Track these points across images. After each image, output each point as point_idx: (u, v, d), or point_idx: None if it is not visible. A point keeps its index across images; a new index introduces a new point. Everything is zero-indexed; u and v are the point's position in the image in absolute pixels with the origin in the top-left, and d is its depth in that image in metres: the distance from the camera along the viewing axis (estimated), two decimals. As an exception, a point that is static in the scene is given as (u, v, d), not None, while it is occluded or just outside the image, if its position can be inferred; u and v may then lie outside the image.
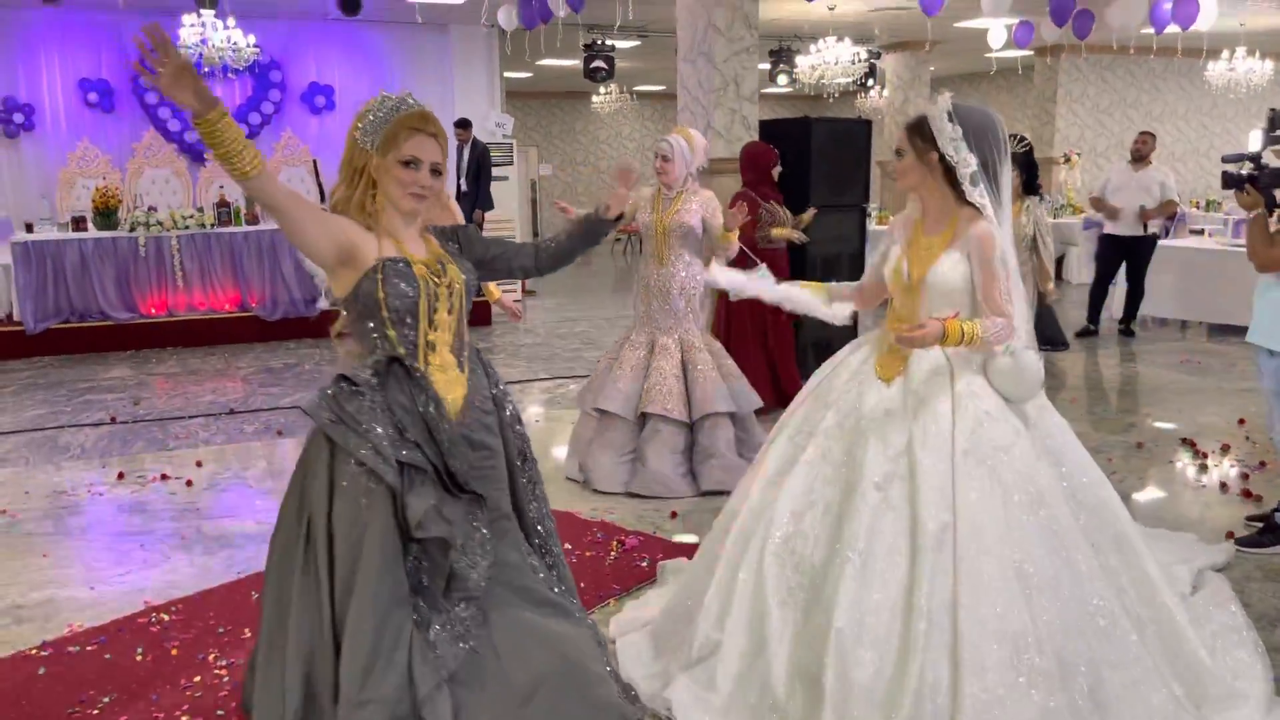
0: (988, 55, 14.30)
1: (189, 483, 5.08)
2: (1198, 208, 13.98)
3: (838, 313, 3.19)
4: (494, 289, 4.46)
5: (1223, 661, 2.93)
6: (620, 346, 4.96)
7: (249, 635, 3.38)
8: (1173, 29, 9.88)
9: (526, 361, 8.17)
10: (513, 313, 4.43)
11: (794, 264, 7.00)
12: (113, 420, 6.39)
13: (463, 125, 10.64)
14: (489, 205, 10.97)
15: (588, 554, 4.02)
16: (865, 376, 2.91)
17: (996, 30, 11.53)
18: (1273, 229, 3.90)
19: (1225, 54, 12.88)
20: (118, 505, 4.81)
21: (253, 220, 9.64)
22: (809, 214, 6.30)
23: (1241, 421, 5.87)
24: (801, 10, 11.13)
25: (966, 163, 2.77)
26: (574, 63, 14.85)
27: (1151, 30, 10.34)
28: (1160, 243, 8.94)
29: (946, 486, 2.62)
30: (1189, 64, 15.15)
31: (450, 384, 2.36)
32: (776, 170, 6.02)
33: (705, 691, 2.73)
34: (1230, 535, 4.10)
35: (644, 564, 3.90)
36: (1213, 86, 13.48)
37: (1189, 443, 5.48)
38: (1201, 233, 13.20)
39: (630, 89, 18.77)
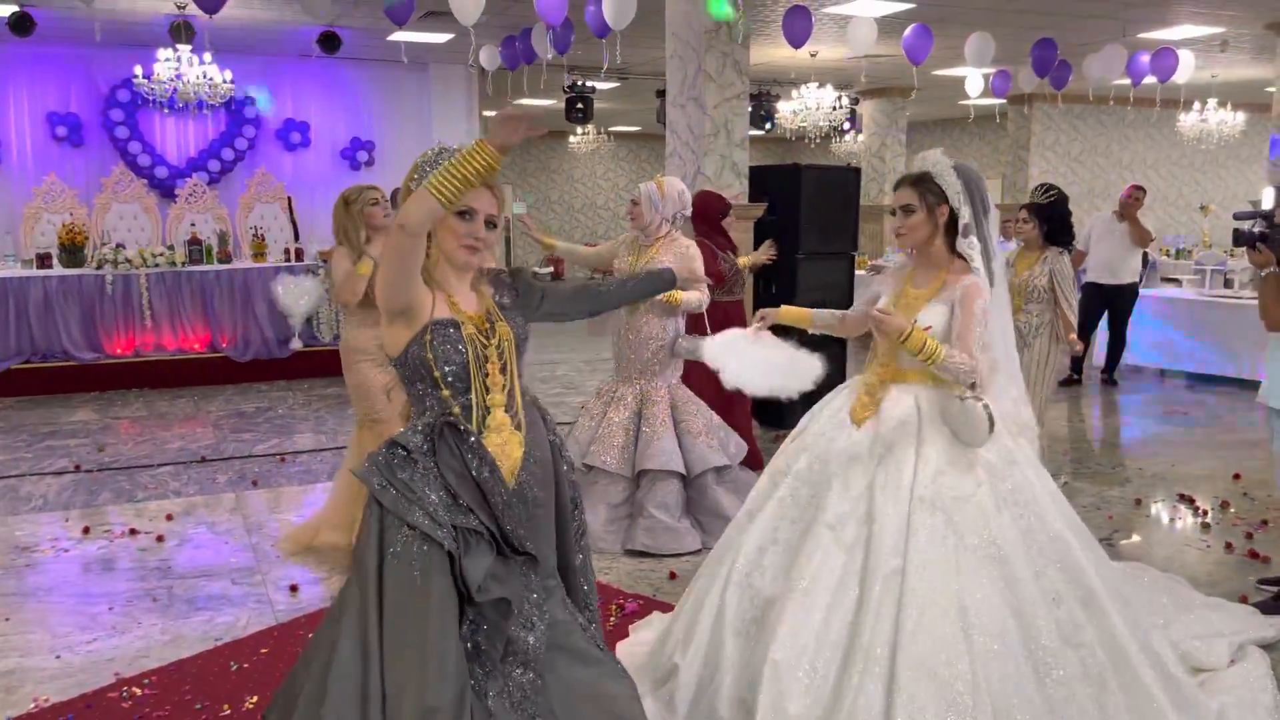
0: (962, 103, 14.47)
1: (159, 538, 4.84)
2: (1168, 256, 14.14)
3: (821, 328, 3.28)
4: None
5: None
6: (608, 404, 4.80)
7: (229, 712, 3.17)
8: (1148, 80, 10.02)
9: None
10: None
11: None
12: (77, 469, 6.13)
13: None
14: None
15: (585, 620, 3.84)
16: (840, 420, 2.98)
17: (974, 79, 11.65)
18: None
19: (1197, 105, 13.09)
20: (83, 562, 4.56)
21: (225, 259, 9.43)
22: (765, 247, 6.17)
23: (1237, 477, 5.82)
24: (783, 56, 11.17)
25: (964, 216, 2.88)
26: (552, 102, 14.83)
27: (1124, 81, 10.49)
28: (1141, 292, 8.96)
29: (901, 532, 2.68)
30: (1159, 114, 15.39)
31: (506, 445, 2.26)
32: (729, 221, 5.90)
33: (667, 712, 2.86)
34: (1244, 599, 4.01)
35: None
36: (1184, 137, 13.68)
37: (1187, 499, 5.41)
38: (1175, 281, 13.37)
39: (606, 130, 18.77)
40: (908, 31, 8.20)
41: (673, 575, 4.31)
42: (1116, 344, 8.78)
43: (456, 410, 2.21)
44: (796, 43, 7.53)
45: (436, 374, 2.20)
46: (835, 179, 7.01)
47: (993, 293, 2.92)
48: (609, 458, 4.62)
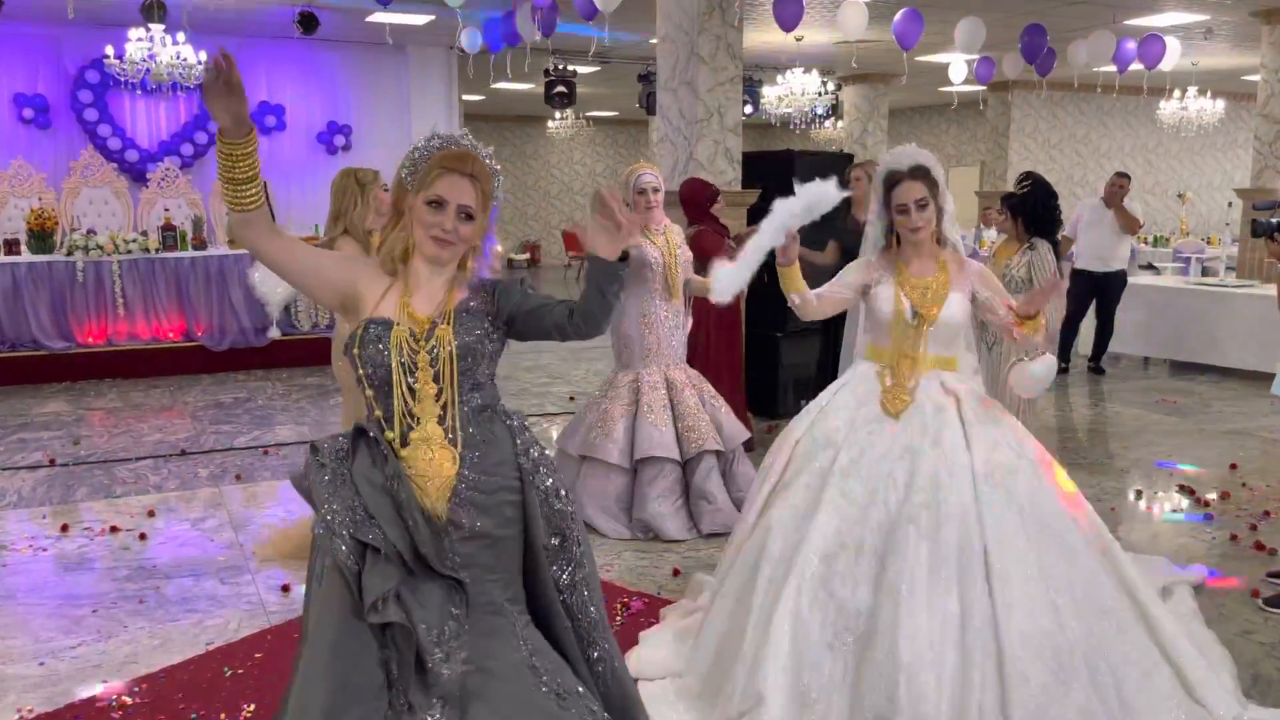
0: (943, 89, 14.42)
1: (141, 535, 4.67)
2: (1146, 244, 14.20)
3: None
4: None
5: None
6: (636, 391, 4.66)
7: (225, 722, 3.03)
8: (1132, 67, 10.00)
9: (493, 397, 7.84)
10: None
11: (777, 304, 6.80)
12: (51, 463, 5.93)
13: None
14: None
15: (591, 620, 3.72)
16: (871, 416, 2.98)
17: (958, 65, 11.59)
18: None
19: (1177, 93, 13.12)
20: (64, 563, 4.38)
21: (200, 245, 9.20)
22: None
23: (1234, 466, 5.79)
24: (765, 41, 11.04)
25: (950, 205, 3.04)
26: (530, 87, 14.62)
27: (1105, 68, 10.47)
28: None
29: (972, 513, 2.75)
30: (1137, 102, 15.44)
31: (435, 460, 2.08)
32: (718, 207, 5.80)
33: None
34: (1255, 593, 3.97)
35: (661, 620, 3.62)
36: (1163, 125, 13.72)
37: (1187, 490, 5.37)
38: (1150, 267, 13.43)
39: (584, 115, 18.57)
40: (898, 16, 8.10)
41: (676, 572, 4.21)
42: (1104, 332, 8.76)
43: (379, 413, 2.10)
44: (788, 26, 7.41)
45: (361, 374, 2.10)
46: (828, 165, 6.88)
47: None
48: (709, 438, 4.61)
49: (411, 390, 2.08)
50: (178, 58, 8.98)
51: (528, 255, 20.51)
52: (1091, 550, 2.84)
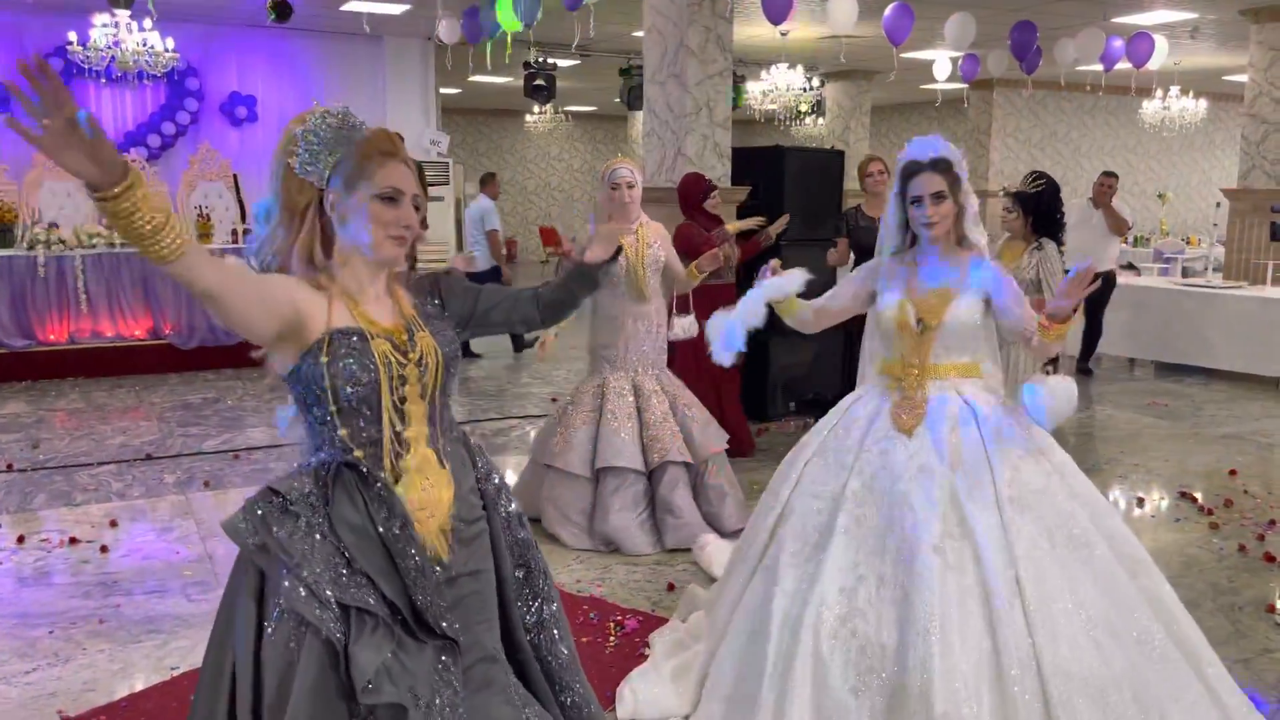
0: (924, 86, 14.31)
1: (103, 549, 4.41)
2: (1127, 244, 14.16)
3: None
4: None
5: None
6: (599, 397, 4.49)
7: (192, 758, 2.80)
8: (1118, 66, 9.91)
9: (471, 399, 7.62)
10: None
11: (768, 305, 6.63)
12: (9, 467, 5.64)
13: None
14: (423, 227, 10.38)
15: (583, 639, 3.51)
16: (882, 433, 2.77)
17: (942, 62, 11.47)
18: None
19: (1159, 93, 13.07)
20: (19, 577, 4.12)
21: (167, 239, 8.89)
22: (781, 220, 5.95)
23: (1233, 473, 5.67)
24: (751, 35, 10.86)
25: (973, 203, 2.81)
26: (508, 80, 14.37)
27: (1090, 67, 10.37)
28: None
29: (1002, 539, 2.55)
30: (1118, 101, 15.41)
31: (433, 488, 1.83)
32: (712, 202, 5.63)
33: None
34: (1272, 608, 3.83)
35: (649, 650, 3.42)
36: (1145, 124, 13.67)
37: (1189, 497, 5.24)
38: (1130, 267, 13.39)
39: (562, 110, 18.32)
40: (888, 11, 7.93)
41: (670, 587, 4.01)
42: (1093, 333, 8.66)
43: (358, 451, 1.77)
44: (777, 19, 7.22)
45: (334, 404, 1.75)
46: (819, 162, 6.75)
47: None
48: (674, 449, 4.41)
49: (400, 410, 1.81)
50: (144, 45, 8.66)
51: (504, 251, 20.20)
52: (1124, 571, 2.63)
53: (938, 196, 2.71)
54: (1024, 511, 2.58)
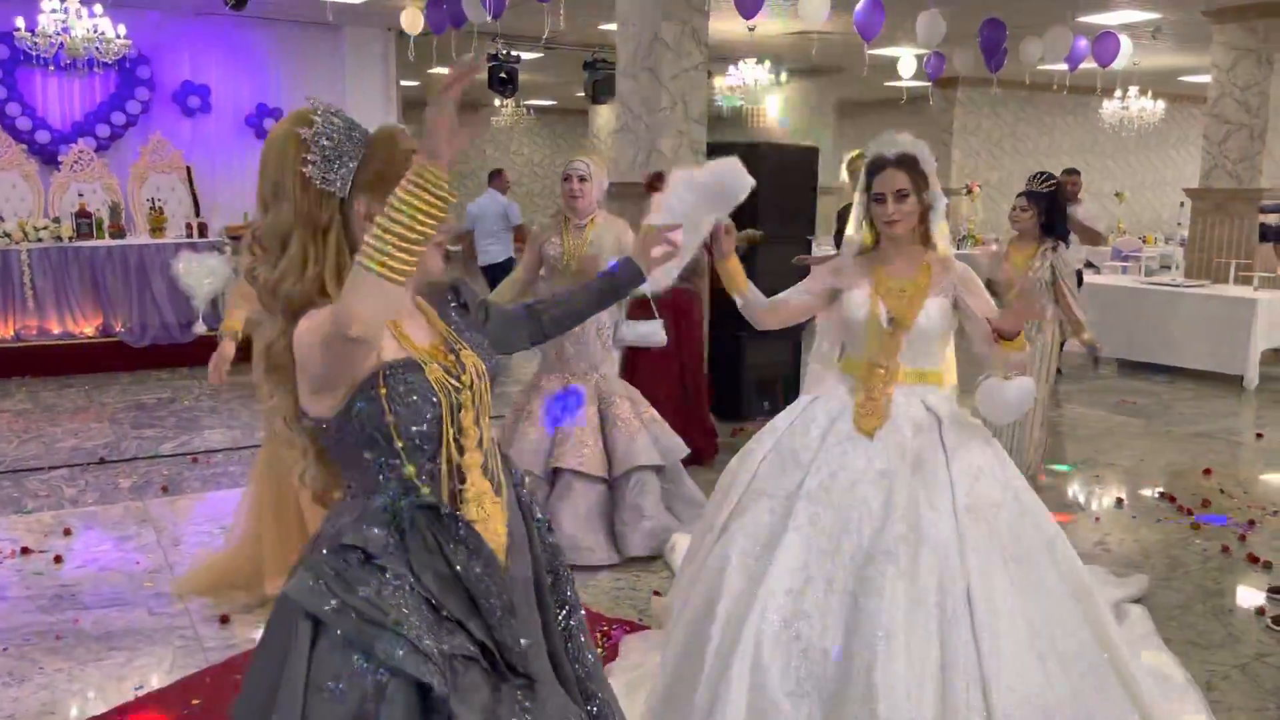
0: (888, 84, 14.33)
1: (57, 558, 4.19)
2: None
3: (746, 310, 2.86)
4: None
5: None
6: (529, 394, 4.38)
7: (162, 788, 2.63)
8: (1081, 65, 9.96)
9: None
10: None
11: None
12: (-46, 472, 5.38)
13: None
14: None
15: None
16: (844, 433, 2.69)
17: (907, 60, 11.47)
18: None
19: (1119, 93, 13.20)
20: (-33, 591, 3.90)
21: (117, 233, 8.61)
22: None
23: (1208, 472, 5.69)
24: (716, 29, 10.76)
25: (940, 201, 2.74)
26: (468, 73, 14.12)
27: (1053, 66, 10.42)
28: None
29: (955, 549, 2.47)
30: (1076, 101, 15.54)
31: (490, 520, 1.69)
32: None
33: None
34: (1262, 611, 3.81)
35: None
36: (1105, 124, 13.80)
37: (1167, 497, 5.24)
38: (1089, 265, 13.51)
39: (523, 103, 18.10)
40: (859, 6, 7.88)
41: (657, 593, 3.89)
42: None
43: (425, 489, 1.62)
44: (749, 13, 7.13)
45: (400, 442, 1.58)
46: (794, 159, 6.67)
47: None
48: (586, 458, 4.19)
49: (458, 442, 1.64)
50: (94, 31, 8.33)
51: (460, 248, 19.94)
52: (1070, 596, 2.57)
53: (901, 195, 2.64)
54: (979, 524, 2.51)
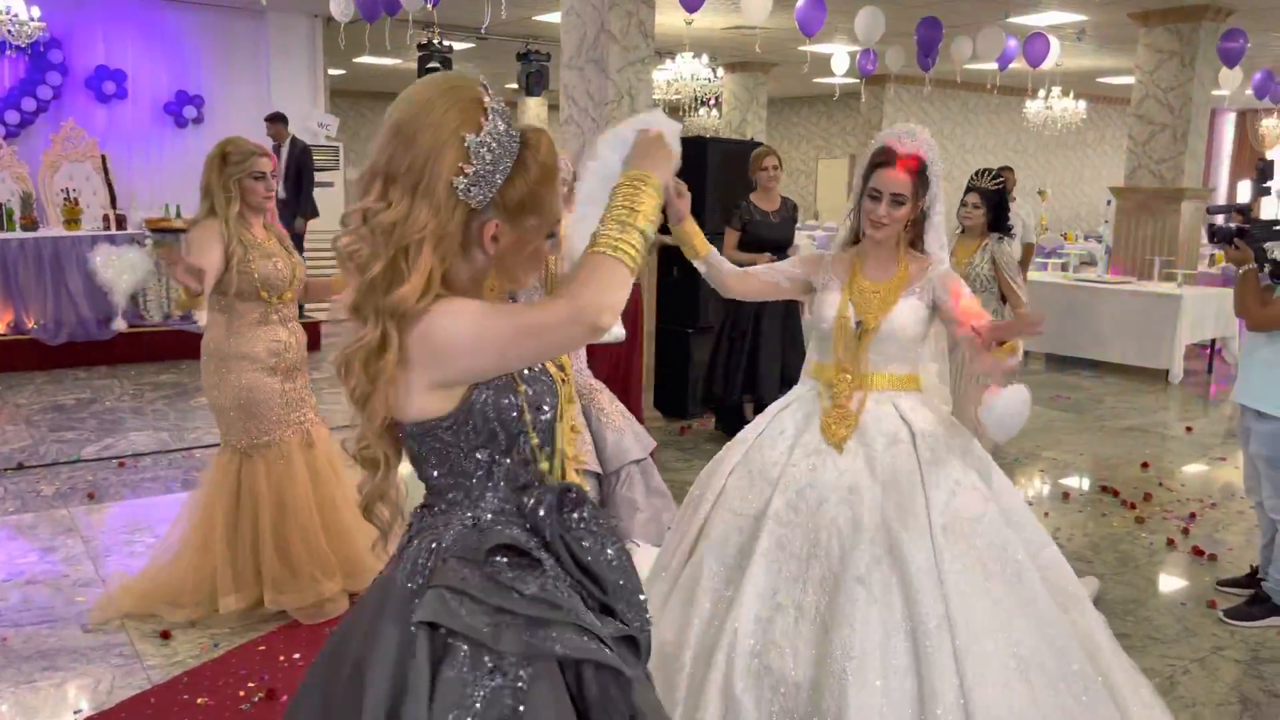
0: (817, 80, 14.44)
1: (-22, 573, 3.94)
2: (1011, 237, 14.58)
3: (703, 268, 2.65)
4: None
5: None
6: None
7: (111, 822, 2.46)
8: (1014, 66, 10.15)
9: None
10: None
11: (686, 298, 6.49)
12: None
13: (277, 120, 9.48)
14: (313, 212, 9.82)
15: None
16: (812, 446, 2.55)
17: (840, 56, 11.56)
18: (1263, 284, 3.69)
19: (1042, 93, 13.50)
20: (-121, 610, 3.63)
21: (29, 225, 8.18)
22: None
23: (1145, 465, 5.82)
24: (659, 24, 10.69)
25: (937, 212, 2.61)
26: (396, 62, 13.82)
27: (981, 66, 10.60)
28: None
29: (933, 571, 2.34)
30: (1001, 101, 15.87)
31: None
32: None
33: None
34: (1213, 604, 3.89)
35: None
36: (1029, 123, 14.11)
37: (1110, 491, 5.33)
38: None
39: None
40: (800, 2, 7.88)
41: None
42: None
43: (551, 479, 1.55)
44: (691, 7, 7.07)
45: (534, 437, 1.51)
46: (740, 154, 6.61)
47: None
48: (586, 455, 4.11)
49: (565, 432, 1.59)
50: (7, 13, 7.90)
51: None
52: (1058, 607, 2.46)
53: (896, 200, 2.50)
54: (957, 540, 2.38)
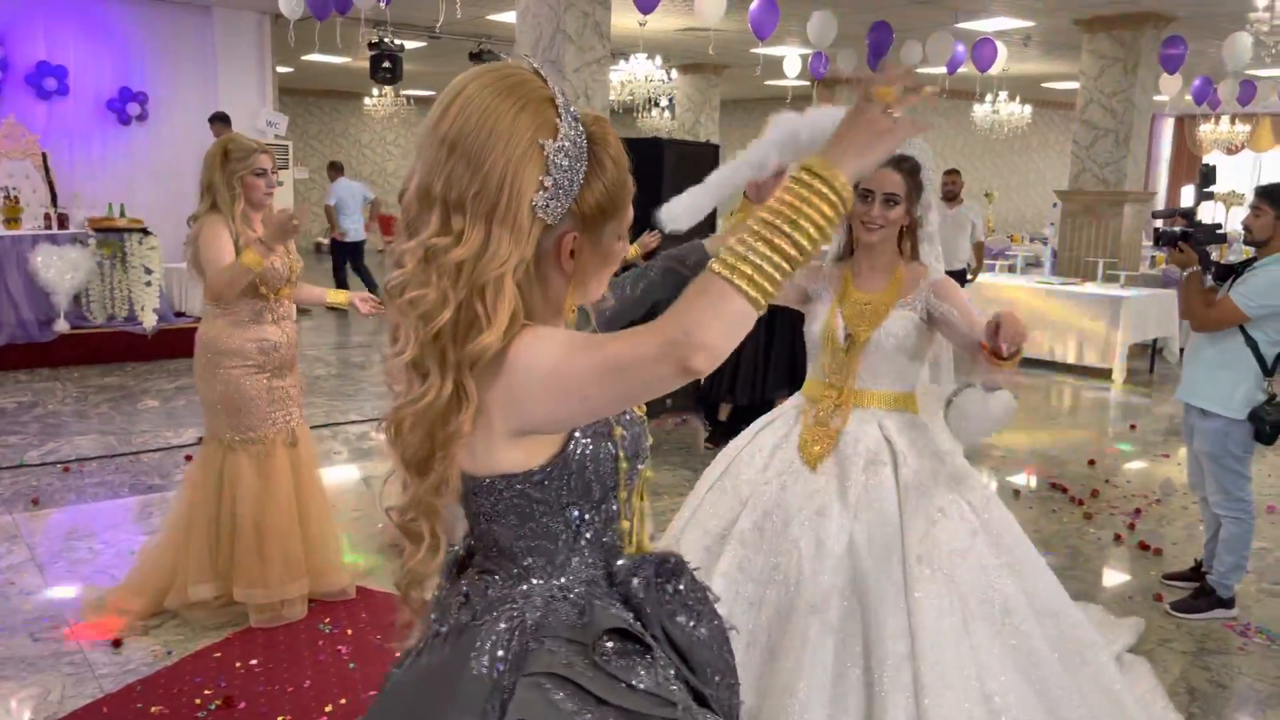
0: (769, 83, 14.53)
1: (-81, 582, 3.83)
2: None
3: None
4: (342, 295, 3.79)
5: None
6: None
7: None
8: (962, 70, 10.31)
9: (328, 399, 7.14)
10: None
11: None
12: None
13: (221, 120, 9.35)
14: (262, 213, 9.70)
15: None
16: (786, 463, 2.46)
17: (792, 59, 11.66)
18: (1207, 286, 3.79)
19: (989, 97, 13.72)
20: None
21: (-33, 223, 7.95)
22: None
23: (1092, 463, 5.94)
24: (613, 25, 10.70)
25: (932, 219, 2.54)
26: (345, 60, 13.68)
27: (931, 69, 10.75)
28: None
29: (901, 605, 2.21)
30: (950, 104, 16.09)
31: None
32: None
33: None
34: (1159, 598, 3.98)
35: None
36: (976, 127, 14.34)
37: (1061, 488, 5.44)
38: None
39: (403, 94, 17.63)
40: (754, 6, 7.94)
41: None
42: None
43: (632, 546, 1.35)
44: (646, 8, 7.08)
45: (623, 490, 1.31)
46: (697, 156, 6.64)
47: None
48: None
49: (628, 501, 1.36)
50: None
51: (330, 240, 19.33)
52: (1054, 653, 2.30)
53: (890, 200, 2.41)
54: (934, 574, 2.24)
